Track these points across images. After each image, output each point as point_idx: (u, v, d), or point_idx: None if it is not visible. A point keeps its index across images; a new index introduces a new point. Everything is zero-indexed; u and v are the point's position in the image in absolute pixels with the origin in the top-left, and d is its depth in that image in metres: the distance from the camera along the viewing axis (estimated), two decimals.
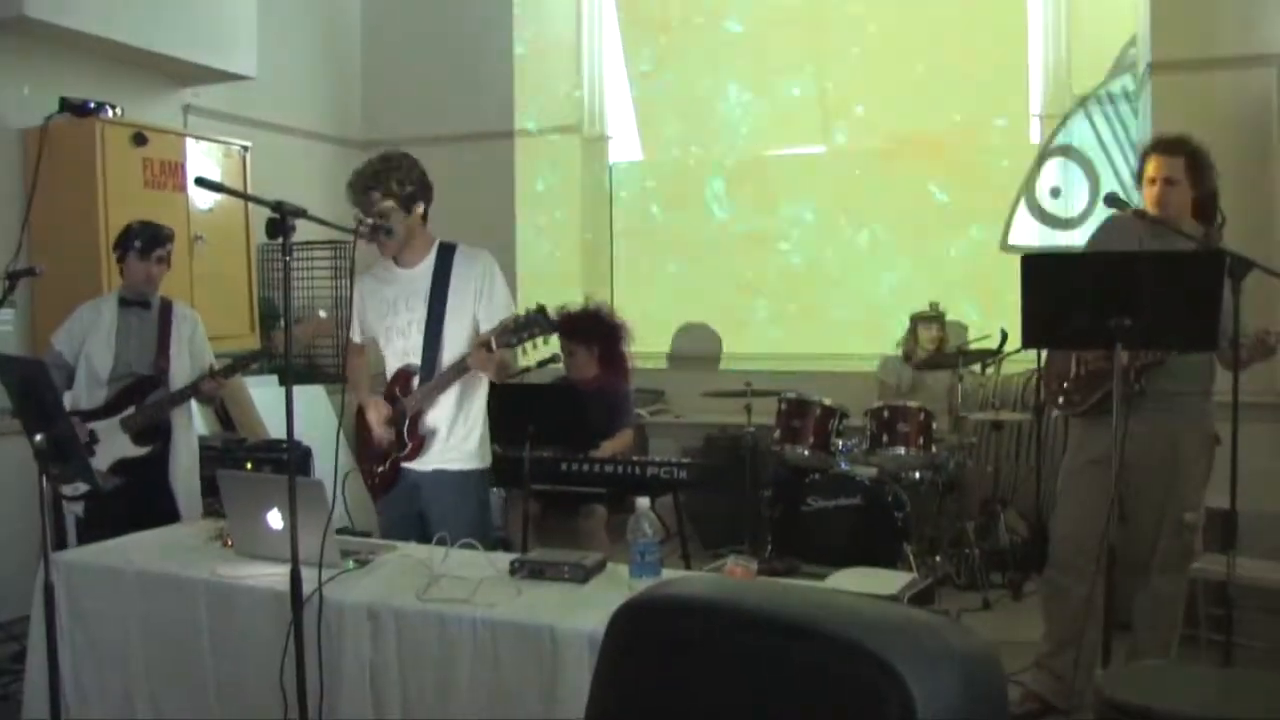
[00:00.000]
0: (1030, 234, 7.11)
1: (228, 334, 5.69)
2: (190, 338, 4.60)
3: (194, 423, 4.79)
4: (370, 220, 3.59)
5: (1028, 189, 7.13)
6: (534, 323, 3.60)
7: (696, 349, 7.60)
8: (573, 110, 8.01)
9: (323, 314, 5.42)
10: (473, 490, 3.89)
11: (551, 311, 3.71)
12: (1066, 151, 7.08)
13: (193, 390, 4.45)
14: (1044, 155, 7.09)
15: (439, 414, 3.83)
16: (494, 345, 3.62)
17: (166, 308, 4.59)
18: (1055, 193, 7.09)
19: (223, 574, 3.10)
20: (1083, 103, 6.99)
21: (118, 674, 3.20)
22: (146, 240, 4.46)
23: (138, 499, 4.29)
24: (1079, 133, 7.04)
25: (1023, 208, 7.17)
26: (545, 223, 8.06)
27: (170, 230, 4.58)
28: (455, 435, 3.85)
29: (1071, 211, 7.06)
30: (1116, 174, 6.85)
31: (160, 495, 4.43)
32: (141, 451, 4.41)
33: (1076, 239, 6.78)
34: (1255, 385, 4.58)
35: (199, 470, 4.69)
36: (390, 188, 3.73)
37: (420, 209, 3.83)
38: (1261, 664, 4.35)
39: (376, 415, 3.87)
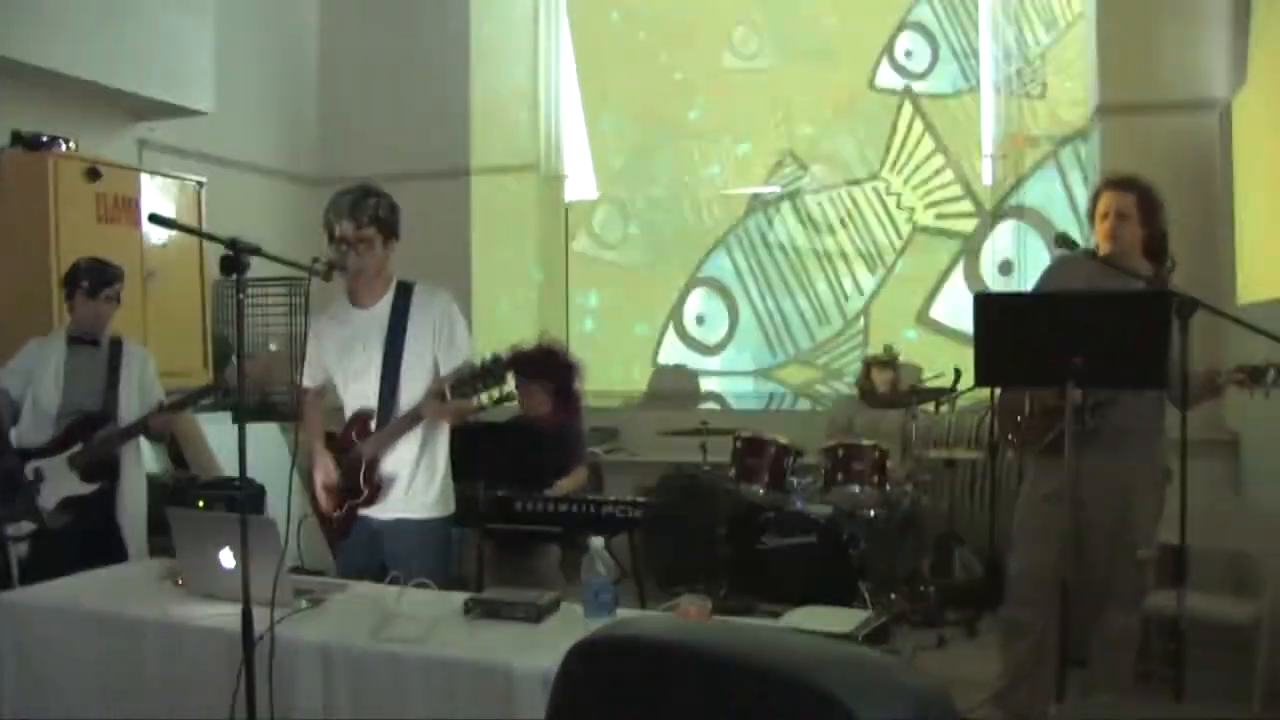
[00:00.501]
0: (676, 355, 7.84)
1: (181, 370, 5.64)
2: (140, 375, 4.55)
3: (143, 460, 4.73)
4: (326, 258, 3.47)
5: (675, 315, 7.86)
6: (489, 373, 3.54)
7: (674, 387, 7.65)
8: (529, 149, 8.03)
9: (273, 347, 5.36)
10: (434, 539, 3.80)
11: (505, 348, 3.69)
12: (709, 283, 7.79)
13: (141, 426, 4.40)
14: (691, 283, 7.82)
15: (399, 460, 3.74)
16: (448, 395, 3.56)
17: (116, 345, 4.54)
18: (700, 320, 7.75)
19: (173, 614, 3.06)
20: (722, 240, 7.73)
21: (62, 716, 3.14)
22: (94, 279, 4.41)
23: (84, 538, 4.22)
24: (720, 266, 7.73)
25: (671, 331, 7.81)
26: (501, 261, 8.06)
27: (119, 269, 4.52)
28: (417, 483, 3.76)
29: (712, 339, 7.79)
30: (753, 306, 7.60)
31: (108, 534, 4.36)
32: (89, 489, 4.35)
33: (714, 364, 7.75)
34: (1203, 422, 4.65)
35: (147, 508, 4.63)
36: (376, 214, 3.65)
37: (393, 246, 3.76)
38: (1213, 698, 4.39)
39: (322, 476, 3.80)
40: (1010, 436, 4.28)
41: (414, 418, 3.66)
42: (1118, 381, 3.71)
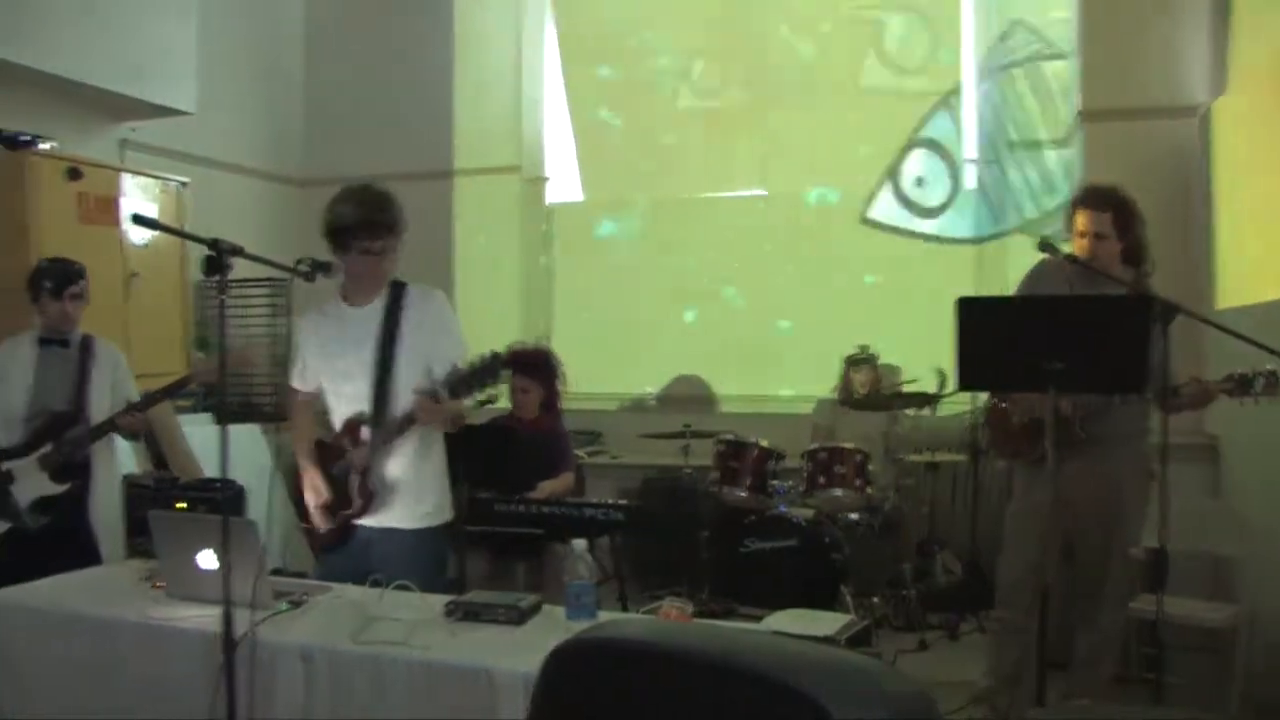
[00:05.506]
0: (891, 213, 7.47)
1: (162, 372, 5.60)
2: (112, 374, 4.50)
3: (117, 460, 4.68)
4: (310, 259, 3.31)
5: (892, 173, 7.45)
6: (487, 370, 3.35)
7: (688, 394, 7.60)
8: (512, 151, 8.03)
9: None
10: (427, 550, 3.64)
11: (499, 348, 3.55)
12: (930, 144, 7.41)
13: (110, 425, 4.35)
14: (910, 144, 7.43)
15: (394, 466, 3.59)
16: (443, 396, 3.38)
17: (87, 344, 4.50)
18: (919, 181, 7.44)
19: (153, 616, 3.05)
20: (946, 99, 7.34)
21: (41, 718, 3.12)
22: (57, 279, 4.36)
23: (55, 539, 4.19)
24: (941, 127, 7.39)
25: (887, 189, 7.49)
26: (484, 263, 8.06)
27: (80, 266, 4.45)
28: (413, 491, 3.61)
29: (932, 201, 7.42)
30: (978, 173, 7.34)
31: (80, 535, 4.32)
32: (60, 489, 4.31)
33: (932, 227, 7.39)
34: (1184, 426, 4.67)
35: (124, 509, 4.60)
36: (396, 223, 3.57)
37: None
38: (1191, 702, 4.42)
39: (314, 497, 3.64)
40: (1004, 450, 4.30)
41: (407, 422, 3.50)
42: (1098, 386, 3.73)
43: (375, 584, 3.12)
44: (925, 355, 6.21)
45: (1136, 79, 6.13)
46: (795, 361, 7.31)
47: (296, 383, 3.81)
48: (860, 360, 6.42)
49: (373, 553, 3.59)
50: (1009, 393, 4.15)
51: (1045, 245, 3.80)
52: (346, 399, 3.66)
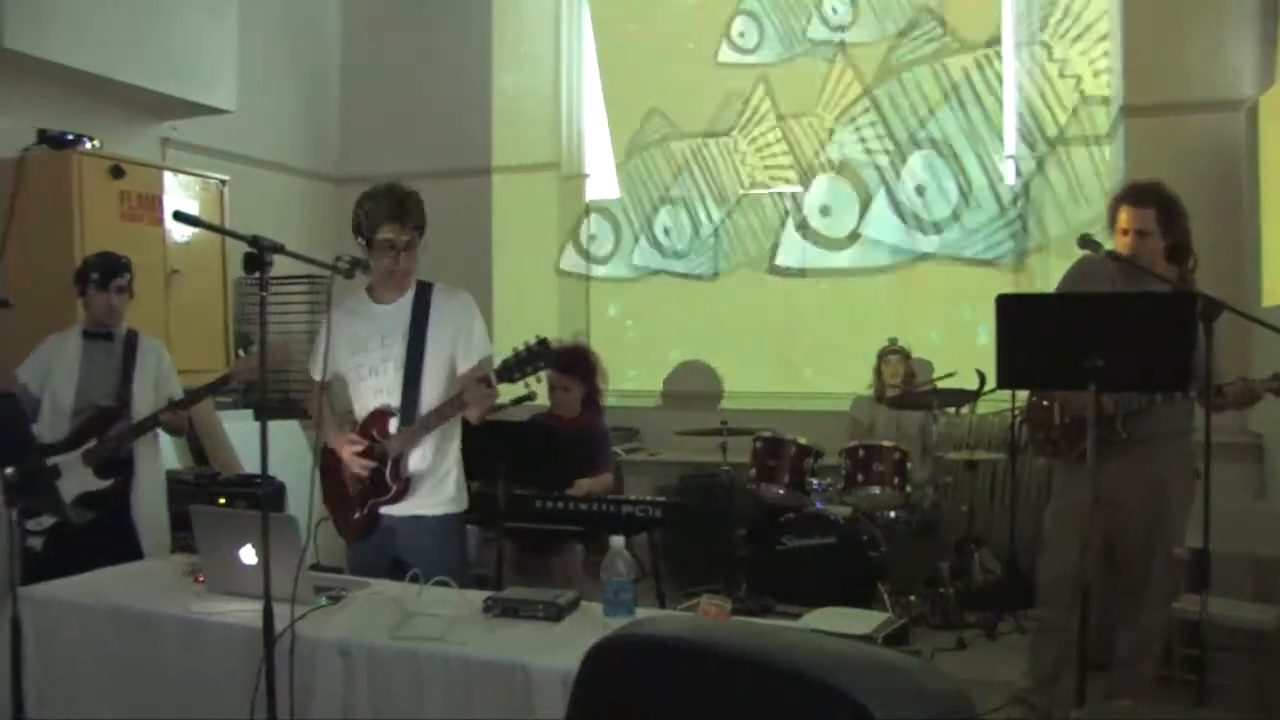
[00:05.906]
0: (796, 255, 7.51)
1: (202, 368, 5.66)
2: (155, 368, 4.56)
3: (160, 456, 4.74)
4: (349, 257, 3.44)
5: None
6: (538, 356, 3.49)
7: (693, 387, 7.60)
8: (551, 147, 8.04)
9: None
10: (451, 535, 3.79)
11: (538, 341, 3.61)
12: (838, 167, 7.42)
13: (153, 422, 4.40)
14: (813, 171, 7.45)
15: (419, 456, 3.71)
16: (494, 381, 3.50)
17: (132, 339, 4.56)
18: (824, 211, 7.43)
19: (194, 610, 3.07)
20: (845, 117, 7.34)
21: (84, 712, 3.16)
22: (104, 271, 4.44)
23: (98, 533, 4.23)
24: (848, 145, 7.37)
25: (790, 227, 7.53)
26: (522, 260, 8.07)
27: (126, 259, 4.54)
28: (433, 478, 3.73)
29: (840, 231, 7.39)
30: (887, 187, 7.27)
31: (122, 529, 4.37)
32: (104, 485, 4.36)
33: (843, 261, 7.34)
34: (1228, 425, 4.62)
35: (167, 504, 4.64)
36: (419, 219, 3.67)
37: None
38: (1234, 704, 4.37)
39: (350, 452, 3.69)
40: (1044, 447, 4.26)
41: (455, 406, 3.61)
42: (1140, 385, 3.69)
43: (413, 579, 3.15)
44: (961, 349, 6.19)
45: (1181, 73, 6.05)
46: (834, 357, 7.28)
47: (316, 375, 3.85)
48: (891, 352, 6.39)
49: (399, 539, 3.72)
50: (1050, 391, 4.12)
51: (1086, 242, 3.76)
52: (370, 392, 3.76)
